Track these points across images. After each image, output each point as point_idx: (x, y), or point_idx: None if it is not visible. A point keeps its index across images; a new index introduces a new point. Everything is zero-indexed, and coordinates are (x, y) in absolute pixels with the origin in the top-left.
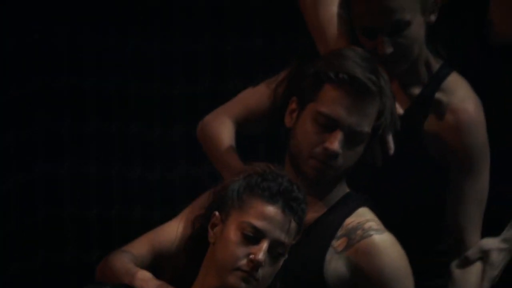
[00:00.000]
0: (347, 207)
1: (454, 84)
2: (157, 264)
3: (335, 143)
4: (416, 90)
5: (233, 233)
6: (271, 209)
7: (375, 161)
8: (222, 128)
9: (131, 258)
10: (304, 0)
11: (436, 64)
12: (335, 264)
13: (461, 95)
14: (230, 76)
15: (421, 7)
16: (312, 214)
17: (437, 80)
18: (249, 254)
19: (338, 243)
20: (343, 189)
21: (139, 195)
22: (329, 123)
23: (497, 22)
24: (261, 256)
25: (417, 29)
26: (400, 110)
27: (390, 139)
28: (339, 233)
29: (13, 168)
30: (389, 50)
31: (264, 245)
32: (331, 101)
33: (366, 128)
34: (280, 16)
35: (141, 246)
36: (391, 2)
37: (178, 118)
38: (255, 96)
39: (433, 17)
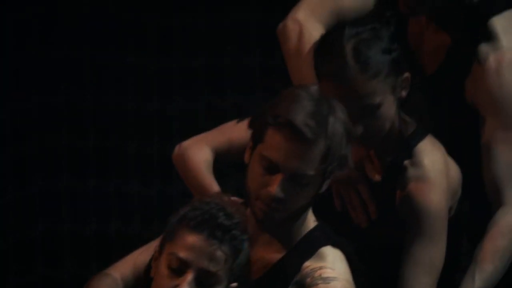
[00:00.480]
0: (308, 247)
1: (421, 152)
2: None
3: (275, 188)
4: (389, 158)
5: (162, 267)
6: (195, 238)
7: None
8: (201, 153)
9: (113, 282)
10: (288, 50)
11: (410, 128)
12: None
13: (425, 163)
14: (228, 92)
15: (391, 87)
16: (272, 255)
17: (407, 148)
18: (175, 286)
19: None
20: (306, 226)
21: (137, 210)
22: (271, 167)
23: None
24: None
25: (388, 108)
26: (377, 177)
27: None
28: (296, 278)
29: (11, 183)
30: (359, 131)
31: (189, 276)
32: (272, 145)
33: (310, 171)
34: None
35: (125, 268)
36: (359, 88)
37: (176, 134)
38: (237, 129)
39: (404, 93)
